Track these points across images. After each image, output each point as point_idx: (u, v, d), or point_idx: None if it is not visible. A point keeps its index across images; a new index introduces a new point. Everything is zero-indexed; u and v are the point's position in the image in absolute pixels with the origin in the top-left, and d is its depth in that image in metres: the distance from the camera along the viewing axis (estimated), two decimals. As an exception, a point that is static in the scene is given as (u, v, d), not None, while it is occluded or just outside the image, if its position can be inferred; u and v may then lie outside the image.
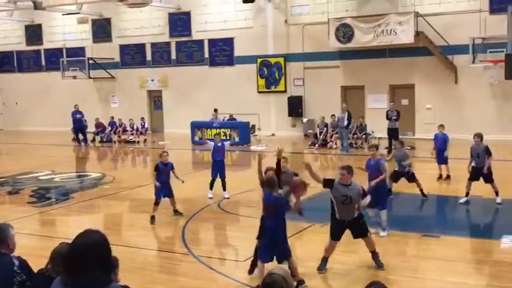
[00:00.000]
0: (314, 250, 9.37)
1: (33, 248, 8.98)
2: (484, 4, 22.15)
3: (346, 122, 21.00)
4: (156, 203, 11.44)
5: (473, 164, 12.19)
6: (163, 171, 11.61)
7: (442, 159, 14.62)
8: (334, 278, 8.20)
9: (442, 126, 15.37)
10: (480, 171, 12.01)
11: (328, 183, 8.23)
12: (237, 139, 23.48)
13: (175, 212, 11.84)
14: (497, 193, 12.06)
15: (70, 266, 3.21)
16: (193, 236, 10.52)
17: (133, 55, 30.13)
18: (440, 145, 14.82)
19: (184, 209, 12.22)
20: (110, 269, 3.27)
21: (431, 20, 22.66)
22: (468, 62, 21.61)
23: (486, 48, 21.53)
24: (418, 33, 22.59)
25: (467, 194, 12.20)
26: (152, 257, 9.61)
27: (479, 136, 12.34)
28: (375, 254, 8.44)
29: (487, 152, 12.05)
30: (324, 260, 8.43)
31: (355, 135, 22.18)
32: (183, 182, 11.92)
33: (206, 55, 28.23)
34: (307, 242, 9.99)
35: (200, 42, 28.27)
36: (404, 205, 13.13)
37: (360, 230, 8.41)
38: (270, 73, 26.85)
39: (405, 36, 22.58)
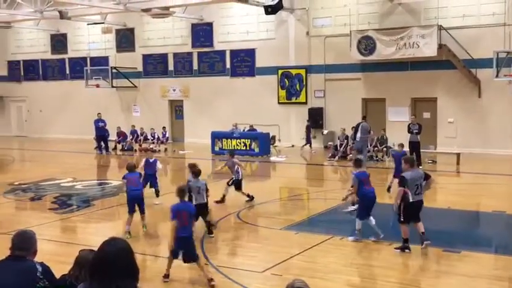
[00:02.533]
0: (334, 262, 9.32)
1: (54, 254, 9.07)
2: (508, 18, 21.94)
3: (358, 134, 20.78)
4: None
5: None
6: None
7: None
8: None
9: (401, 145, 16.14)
10: None
11: None
12: (257, 150, 23.54)
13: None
14: None
15: (98, 273, 3.21)
16: (212, 246, 10.52)
17: (155, 65, 30.40)
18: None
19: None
20: (136, 277, 3.27)
21: (454, 33, 22.51)
22: (492, 75, 21.37)
23: (510, 62, 21.29)
24: (441, 46, 22.44)
25: None
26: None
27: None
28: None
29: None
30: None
31: (376, 148, 22.04)
32: None
33: (228, 66, 28.37)
34: (326, 254, 9.92)
35: (222, 53, 28.43)
36: (425, 219, 12.98)
37: None
38: (291, 84, 26.87)
39: (428, 49, 22.44)
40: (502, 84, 21.75)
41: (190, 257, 8.40)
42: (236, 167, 13.96)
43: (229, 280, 8.50)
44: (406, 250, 9.75)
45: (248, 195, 14.07)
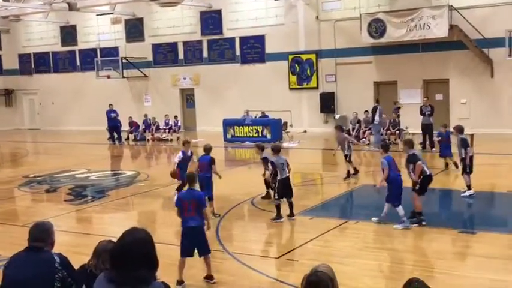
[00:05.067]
0: (349, 246, 9.32)
1: (71, 244, 9.16)
2: (520, -5, 21.66)
3: (376, 117, 20.91)
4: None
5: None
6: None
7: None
8: (368, 275, 8.13)
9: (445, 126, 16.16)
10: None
11: None
12: (269, 136, 23.52)
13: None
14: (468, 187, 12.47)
15: (117, 262, 3.23)
16: (227, 233, 10.56)
17: (165, 54, 30.41)
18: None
19: (218, 206, 12.27)
20: (155, 267, 3.29)
21: (465, 13, 22.25)
22: (504, 55, 21.13)
23: (523, 41, 21.03)
24: (452, 27, 22.21)
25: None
26: (187, 253, 9.66)
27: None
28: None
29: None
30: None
31: (389, 131, 21.94)
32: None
33: (238, 53, 28.30)
34: (342, 238, 9.92)
35: (231, 40, 28.36)
36: (440, 201, 12.94)
37: None
38: (302, 70, 26.76)
39: (439, 30, 22.23)
40: (515, 63, 21.51)
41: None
42: (346, 142, 14.96)
43: (246, 266, 8.54)
44: (423, 223, 10.03)
45: (355, 169, 15.06)
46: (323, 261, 7.99)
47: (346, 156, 14.93)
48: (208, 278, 7.94)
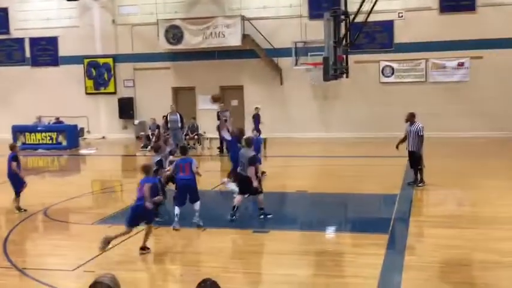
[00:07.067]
0: (151, 252, 9.25)
1: None
2: (303, 10, 23.58)
3: (180, 124, 21.11)
4: None
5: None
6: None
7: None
8: (163, 279, 8.14)
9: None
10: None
11: None
12: (64, 143, 22.47)
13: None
14: None
15: None
16: (17, 247, 9.79)
17: None
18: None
19: (7, 219, 11.37)
20: None
21: (257, 23, 23.59)
22: (291, 64, 22.81)
23: (307, 52, 22.86)
24: (245, 36, 23.37)
25: None
26: (-31, 274, 8.76)
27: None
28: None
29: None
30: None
31: (187, 136, 22.31)
32: None
33: (28, 55, 26.52)
34: (141, 244, 9.79)
35: (20, 41, 26.49)
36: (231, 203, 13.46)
37: None
38: (99, 74, 25.99)
39: (233, 39, 23.24)
40: (301, 72, 23.29)
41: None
42: None
43: (38, 282, 7.99)
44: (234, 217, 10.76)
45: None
46: (124, 270, 7.84)
47: None
48: None
